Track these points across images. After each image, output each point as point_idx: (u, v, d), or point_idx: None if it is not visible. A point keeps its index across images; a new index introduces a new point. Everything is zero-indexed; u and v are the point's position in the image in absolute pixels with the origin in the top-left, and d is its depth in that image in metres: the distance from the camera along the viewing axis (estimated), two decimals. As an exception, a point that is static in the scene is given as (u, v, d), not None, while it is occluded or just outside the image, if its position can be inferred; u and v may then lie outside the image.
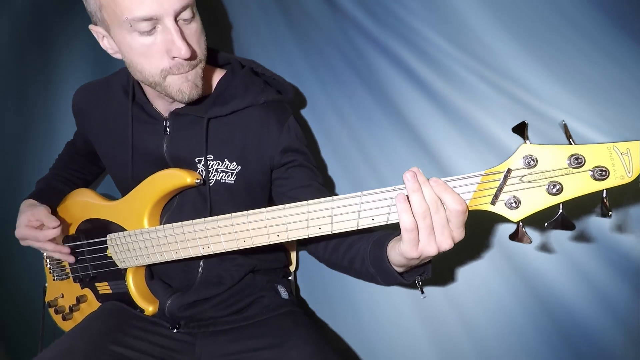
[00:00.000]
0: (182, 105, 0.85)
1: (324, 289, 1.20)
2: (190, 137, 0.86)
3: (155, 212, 0.89)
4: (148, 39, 0.71)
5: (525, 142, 0.59)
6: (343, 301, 1.18)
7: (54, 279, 1.03)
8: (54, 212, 1.01)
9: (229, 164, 0.87)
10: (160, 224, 0.89)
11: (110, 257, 0.90)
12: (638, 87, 0.85)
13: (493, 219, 0.94)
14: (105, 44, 0.79)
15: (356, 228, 0.68)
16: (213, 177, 0.87)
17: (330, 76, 1.12)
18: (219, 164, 0.87)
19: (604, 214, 0.56)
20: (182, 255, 0.81)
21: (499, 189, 0.60)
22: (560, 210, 0.58)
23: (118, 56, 0.79)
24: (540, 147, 0.58)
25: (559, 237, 0.94)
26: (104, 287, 0.96)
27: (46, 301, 1.04)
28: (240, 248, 0.75)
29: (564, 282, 0.95)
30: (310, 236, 0.70)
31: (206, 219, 0.76)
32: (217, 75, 0.90)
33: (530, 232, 0.93)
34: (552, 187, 0.57)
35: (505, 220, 0.61)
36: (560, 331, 0.96)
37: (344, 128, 1.12)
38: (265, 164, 0.88)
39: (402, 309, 1.12)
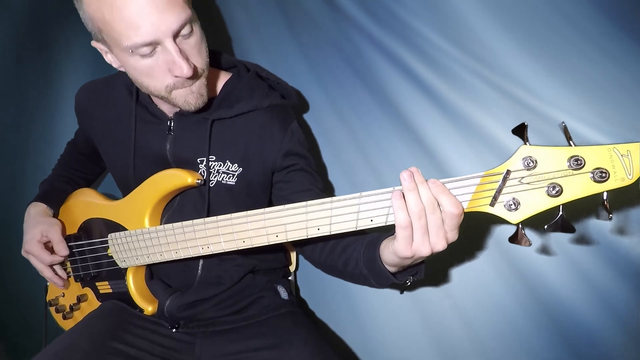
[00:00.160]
0: None
1: (324, 289, 1.20)
2: (194, 137, 0.86)
3: (157, 212, 0.89)
4: (150, 60, 0.72)
5: (525, 144, 0.58)
6: (343, 301, 1.18)
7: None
8: (58, 214, 1.02)
9: (231, 165, 0.88)
10: (161, 224, 0.89)
11: (111, 257, 0.90)
12: (638, 87, 0.85)
13: (493, 220, 0.94)
14: (110, 58, 0.79)
15: (355, 229, 0.68)
16: (214, 177, 0.88)
17: (330, 76, 1.12)
18: (220, 165, 0.87)
19: (605, 217, 0.55)
20: (182, 255, 0.81)
21: (498, 191, 0.59)
22: (560, 213, 0.57)
23: (123, 69, 0.80)
24: (539, 149, 0.58)
25: (559, 238, 0.94)
26: (104, 287, 0.96)
27: (47, 300, 1.05)
28: (240, 248, 0.76)
29: (564, 282, 0.95)
30: (309, 237, 0.70)
31: (206, 219, 0.77)
32: (222, 78, 0.91)
33: (530, 234, 0.93)
34: (551, 189, 0.57)
35: (504, 221, 0.61)
36: (561, 331, 0.96)
37: (344, 128, 1.12)
38: (267, 166, 0.89)
39: (402, 309, 1.12)
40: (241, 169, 0.88)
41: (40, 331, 1.02)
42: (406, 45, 1.01)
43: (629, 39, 0.85)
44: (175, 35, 0.70)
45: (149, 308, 0.90)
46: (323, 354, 0.83)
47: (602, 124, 0.87)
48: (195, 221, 0.77)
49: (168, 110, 0.88)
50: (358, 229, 0.68)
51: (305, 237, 0.70)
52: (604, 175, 0.54)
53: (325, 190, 0.93)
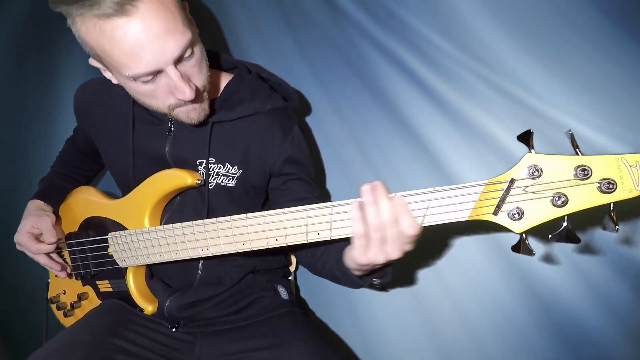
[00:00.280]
0: None
1: (324, 289, 1.20)
2: (194, 139, 0.86)
3: (156, 211, 0.89)
4: (151, 85, 0.71)
5: (530, 152, 0.57)
6: (343, 301, 1.18)
7: (56, 275, 1.04)
8: (58, 211, 1.02)
9: (230, 167, 0.87)
10: (161, 224, 0.89)
11: (112, 256, 0.90)
12: (638, 87, 0.85)
13: (495, 225, 0.94)
14: (109, 75, 0.78)
15: (355, 234, 0.67)
16: (213, 180, 0.87)
17: (330, 77, 1.11)
18: (220, 167, 0.87)
19: (611, 228, 0.54)
20: (182, 256, 0.81)
21: (502, 200, 0.58)
22: (565, 223, 0.56)
23: None
24: (545, 157, 0.56)
25: (561, 243, 0.93)
26: (104, 285, 0.96)
27: (48, 297, 1.05)
28: (239, 251, 0.75)
29: (564, 283, 0.94)
30: (309, 241, 0.70)
31: (205, 220, 0.76)
32: (224, 79, 0.90)
33: (533, 241, 0.93)
34: (557, 198, 0.56)
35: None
36: (561, 332, 0.96)
37: (344, 129, 1.11)
38: (266, 169, 0.89)
39: (402, 309, 1.12)
40: (241, 171, 0.88)
41: (41, 328, 1.03)
42: (407, 46, 1.01)
43: (629, 39, 0.85)
44: (177, 62, 0.69)
45: (149, 308, 0.90)
46: (323, 354, 0.83)
47: (603, 124, 0.87)
48: (195, 222, 0.77)
49: None
50: (359, 234, 0.67)
51: (305, 242, 0.70)
52: (611, 186, 0.53)
53: (321, 197, 0.94)
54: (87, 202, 0.99)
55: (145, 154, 0.89)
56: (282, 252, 1.09)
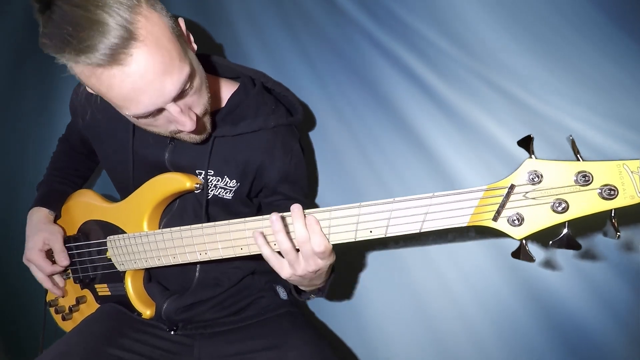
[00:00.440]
0: None
1: (324, 290, 1.19)
2: (194, 149, 0.85)
3: (155, 215, 0.88)
4: (152, 119, 0.70)
5: (530, 157, 0.56)
6: (342, 302, 1.18)
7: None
8: (60, 216, 1.02)
9: (229, 181, 0.87)
10: (160, 228, 0.89)
11: (110, 260, 0.90)
12: (638, 87, 0.85)
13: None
14: None
15: (354, 240, 0.67)
16: (211, 191, 0.87)
17: (331, 78, 1.11)
18: (218, 180, 0.86)
19: (612, 235, 0.53)
20: (180, 260, 0.80)
21: (502, 205, 0.58)
22: (566, 230, 0.55)
23: None
24: (545, 163, 0.56)
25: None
26: (103, 289, 0.96)
27: (47, 300, 1.05)
28: (237, 255, 0.75)
29: (565, 285, 0.94)
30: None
31: (203, 225, 0.76)
32: (226, 89, 0.89)
33: (533, 246, 0.92)
34: (557, 205, 0.55)
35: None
36: (562, 333, 0.96)
37: (346, 131, 1.11)
38: (262, 182, 0.90)
39: (402, 310, 1.12)
40: (238, 184, 0.87)
41: (39, 331, 1.03)
42: (407, 46, 1.01)
43: (629, 39, 0.85)
44: (177, 98, 0.67)
45: (147, 312, 0.90)
46: (322, 355, 0.83)
47: (603, 124, 0.87)
48: (193, 226, 0.77)
49: None
50: (357, 239, 0.66)
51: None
52: (612, 192, 0.52)
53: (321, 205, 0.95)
54: (85, 205, 0.99)
55: (144, 159, 0.88)
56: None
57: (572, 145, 0.55)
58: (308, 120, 1.15)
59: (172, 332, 0.91)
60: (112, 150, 0.92)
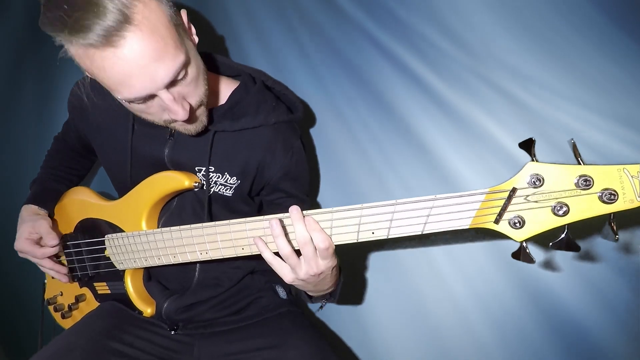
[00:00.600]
0: None
1: (323, 288, 1.20)
2: (195, 145, 0.85)
3: (153, 213, 0.88)
4: (144, 105, 0.70)
5: (532, 160, 0.57)
6: (342, 301, 1.18)
7: (53, 277, 1.03)
8: (53, 214, 1.00)
9: (229, 178, 0.86)
10: (158, 226, 0.88)
11: (109, 258, 0.89)
12: (638, 87, 0.86)
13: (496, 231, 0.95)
14: None
15: (356, 241, 0.67)
16: (211, 188, 0.87)
17: (331, 79, 1.10)
18: (219, 176, 0.86)
19: (611, 238, 0.54)
20: (180, 259, 0.80)
21: (503, 208, 0.58)
22: (566, 232, 0.56)
23: None
24: (547, 166, 0.56)
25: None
26: (102, 287, 0.96)
27: (45, 298, 1.04)
28: (239, 255, 0.75)
29: (564, 284, 0.95)
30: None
31: (204, 224, 0.76)
32: (226, 86, 0.89)
33: (533, 248, 0.93)
34: (558, 208, 0.56)
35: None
36: (561, 332, 0.97)
37: (346, 132, 1.10)
38: (263, 180, 0.89)
39: (402, 309, 1.12)
40: (239, 181, 0.87)
41: (38, 329, 1.02)
42: (408, 47, 1.01)
43: (629, 39, 0.85)
44: (170, 85, 0.67)
45: (147, 310, 0.90)
46: (322, 354, 0.83)
47: (603, 124, 0.87)
48: (193, 226, 0.76)
49: None
50: (359, 240, 0.67)
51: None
52: (612, 196, 0.53)
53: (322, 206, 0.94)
54: (82, 203, 0.98)
55: (143, 156, 0.88)
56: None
57: (574, 148, 0.55)
58: (308, 120, 1.15)
59: (173, 332, 0.91)
60: (111, 147, 0.91)
